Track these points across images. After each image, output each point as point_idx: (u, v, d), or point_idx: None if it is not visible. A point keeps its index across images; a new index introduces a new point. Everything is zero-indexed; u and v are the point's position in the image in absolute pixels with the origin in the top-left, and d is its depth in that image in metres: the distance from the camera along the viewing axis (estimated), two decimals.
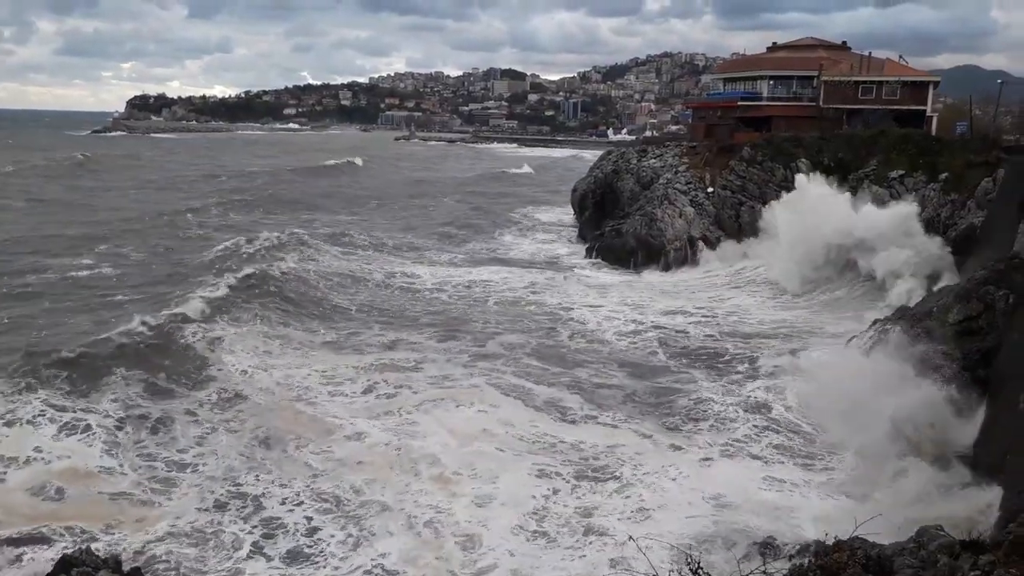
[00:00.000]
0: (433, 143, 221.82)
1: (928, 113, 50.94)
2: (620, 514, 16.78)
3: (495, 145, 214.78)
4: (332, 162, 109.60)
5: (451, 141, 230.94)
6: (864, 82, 51.58)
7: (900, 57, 56.52)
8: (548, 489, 17.80)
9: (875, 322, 25.93)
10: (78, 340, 25.19)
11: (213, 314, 29.21)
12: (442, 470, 18.49)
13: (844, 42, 61.89)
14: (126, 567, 12.46)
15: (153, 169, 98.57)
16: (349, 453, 19.38)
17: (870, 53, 55.29)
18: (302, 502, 17.04)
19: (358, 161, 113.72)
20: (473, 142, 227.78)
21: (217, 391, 22.95)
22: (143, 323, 26.61)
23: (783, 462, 19.64)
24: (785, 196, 41.44)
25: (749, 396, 23.82)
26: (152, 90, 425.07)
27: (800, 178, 42.12)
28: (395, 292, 37.21)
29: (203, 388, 23.19)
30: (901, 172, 38.50)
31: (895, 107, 50.23)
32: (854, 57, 55.74)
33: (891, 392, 19.71)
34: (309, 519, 16.41)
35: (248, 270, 36.01)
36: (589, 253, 47.20)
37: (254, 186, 78.48)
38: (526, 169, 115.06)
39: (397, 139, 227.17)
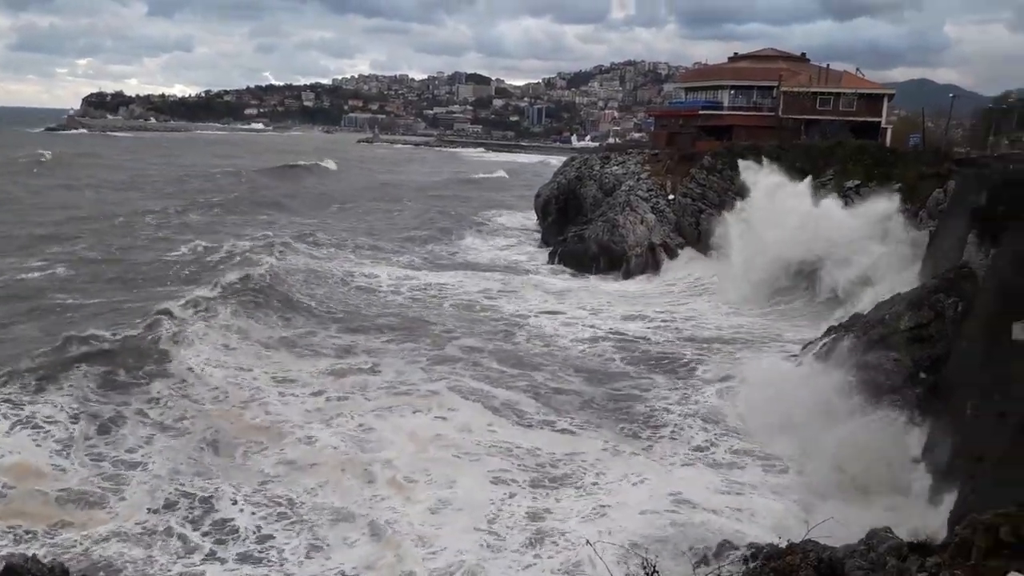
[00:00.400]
0: (398, 146, 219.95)
1: (883, 125, 52.04)
2: (578, 517, 16.78)
3: (460, 149, 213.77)
4: (302, 163, 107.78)
5: (416, 144, 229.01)
6: (822, 94, 52.50)
7: (857, 70, 57.80)
8: (505, 494, 17.72)
9: (830, 329, 26.27)
10: (37, 340, 24.79)
11: (178, 313, 28.55)
12: (395, 473, 18.30)
13: (803, 54, 62.83)
14: (73, 572, 12.13)
15: (113, 169, 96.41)
16: (302, 456, 19.15)
17: (828, 65, 56.38)
18: (249, 506, 16.76)
19: (330, 165, 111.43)
20: (438, 146, 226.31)
21: (171, 388, 22.55)
22: (104, 320, 26.27)
23: (742, 466, 19.77)
24: (738, 204, 40.88)
25: (707, 401, 23.99)
26: (109, 87, 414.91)
27: (747, 167, 40.88)
28: (352, 291, 37.09)
29: (158, 385, 22.71)
30: (857, 182, 39.15)
31: (851, 119, 51.17)
32: (813, 69, 56.66)
33: (836, 414, 19.61)
34: (259, 526, 16.14)
35: (219, 272, 35.78)
36: (552, 258, 47.30)
37: (217, 187, 77.23)
38: (499, 174, 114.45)
39: (360, 141, 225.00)
